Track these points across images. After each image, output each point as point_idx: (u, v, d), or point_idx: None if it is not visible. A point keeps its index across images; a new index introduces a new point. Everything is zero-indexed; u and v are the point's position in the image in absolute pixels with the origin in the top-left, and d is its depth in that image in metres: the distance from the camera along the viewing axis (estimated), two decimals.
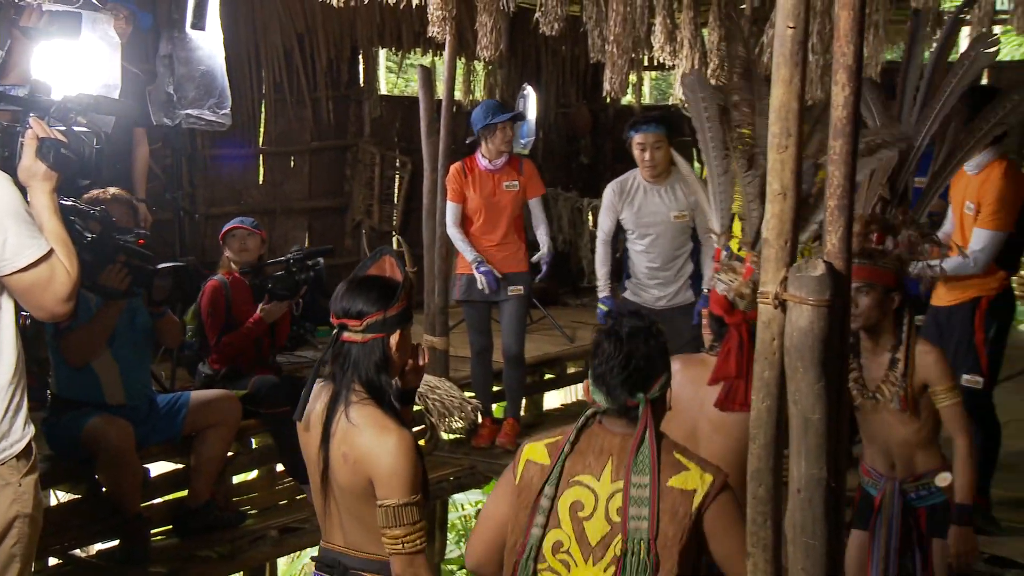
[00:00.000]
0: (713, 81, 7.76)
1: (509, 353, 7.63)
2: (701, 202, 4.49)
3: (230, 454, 6.64)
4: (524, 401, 9.29)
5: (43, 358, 5.96)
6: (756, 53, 7.93)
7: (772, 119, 2.77)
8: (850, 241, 2.77)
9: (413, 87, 15.82)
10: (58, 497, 6.24)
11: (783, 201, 2.75)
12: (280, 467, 7.06)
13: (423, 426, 7.61)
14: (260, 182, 10.55)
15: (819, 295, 2.64)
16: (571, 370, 9.78)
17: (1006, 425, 7.80)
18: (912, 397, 4.62)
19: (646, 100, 14.79)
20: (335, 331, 3.53)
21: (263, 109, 10.40)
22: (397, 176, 11.44)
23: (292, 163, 10.85)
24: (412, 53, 11.74)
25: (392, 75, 16.47)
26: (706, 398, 3.92)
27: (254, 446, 7.07)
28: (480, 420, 7.74)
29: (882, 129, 4.45)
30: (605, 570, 3.17)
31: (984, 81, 10.03)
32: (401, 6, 5.02)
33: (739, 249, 4.03)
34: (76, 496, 6.26)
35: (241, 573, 7.36)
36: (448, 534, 9.86)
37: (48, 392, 5.97)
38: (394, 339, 3.52)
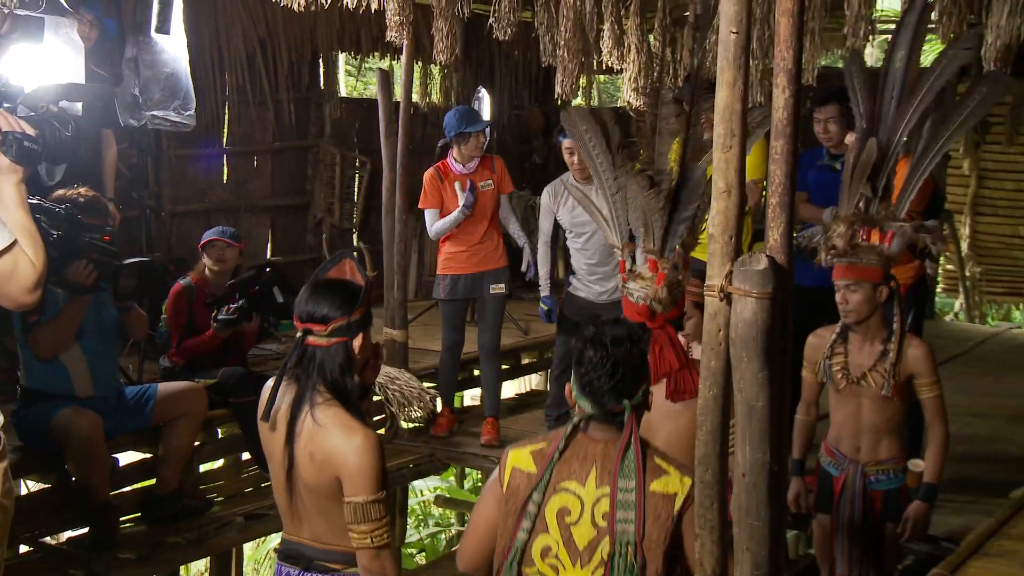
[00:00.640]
0: (659, 84, 7.80)
1: (488, 348, 7.59)
2: (596, 219, 4.56)
3: (197, 444, 6.62)
4: (480, 391, 9.31)
5: (12, 352, 5.90)
6: (699, 58, 7.99)
7: (717, 120, 2.77)
8: (791, 236, 2.78)
9: (371, 90, 15.79)
10: (28, 487, 6.20)
11: (728, 198, 2.76)
12: (245, 455, 7.04)
13: (383, 415, 7.59)
14: (224, 181, 10.50)
15: (762, 288, 2.65)
16: (525, 361, 9.80)
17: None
18: (900, 385, 4.77)
19: (595, 102, 14.80)
20: (299, 334, 3.53)
21: (227, 110, 10.35)
22: (357, 175, 11.41)
23: (255, 163, 10.81)
24: (371, 57, 11.70)
25: (351, 78, 16.42)
26: (655, 387, 3.93)
27: (220, 436, 7.03)
28: (439, 410, 7.71)
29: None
30: (592, 573, 3.16)
31: None
32: (361, 11, 5.01)
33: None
34: (46, 485, 6.23)
35: (208, 558, 7.35)
36: (408, 519, 9.85)
37: (18, 385, 5.92)
38: (357, 342, 3.52)
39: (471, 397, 10.32)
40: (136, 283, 5.83)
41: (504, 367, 8.63)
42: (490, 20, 7.44)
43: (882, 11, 11.08)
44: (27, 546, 5.98)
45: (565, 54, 7.47)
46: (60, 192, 5.77)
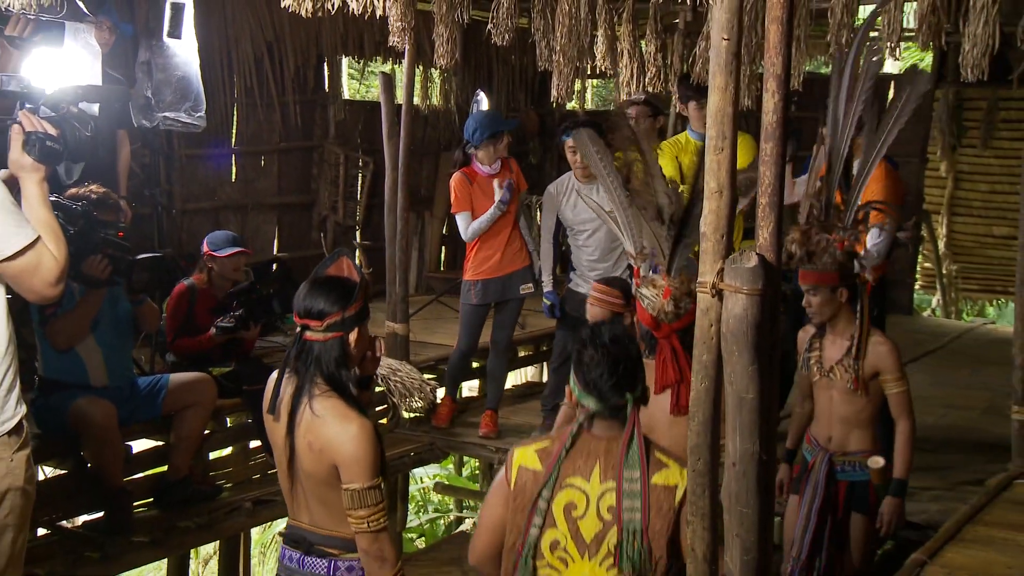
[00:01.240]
0: (651, 88, 7.82)
1: (502, 345, 7.55)
2: (612, 228, 4.57)
3: (207, 432, 6.61)
4: (478, 383, 9.32)
5: (30, 343, 5.90)
6: (689, 63, 8.00)
7: (709, 123, 2.78)
8: (780, 235, 2.78)
9: (374, 92, 15.76)
10: (45, 473, 6.18)
11: (719, 198, 2.76)
12: (253, 443, 7.04)
13: (385, 405, 7.59)
14: (233, 180, 10.48)
15: (752, 285, 2.66)
16: (522, 354, 9.78)
17: (914, 402, 7.91)
18: (863, 380, 4.79)
19: (589, 105, 14.81)
20: (298, 330, 3.55)
21: (235, 112, 10.32)
22: (360, 174, 11.39)
23: (262, 162, 10.79)
24: (373, 61, 11.69)
25: (354, 81, 16.40)
26: (658, 396, 3.96)
27: (229, 424, 7.04)
28: (439, 400, 7.70)
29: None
30: (600, 563, 3.18)
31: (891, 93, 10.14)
32: (366, 17, 5.02)
33: None
34: (63, 471, 6.22)
35: (218, 542, 7.36)
36: (408, 505, 9.85)
37: (36, 375, 5.92)
38: (352, 336, 3.54)
39: (469, 388, 10.32)
40: (149, 277, 5.85)
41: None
42: (488, 26, 7.45)
43: (861, 20, 11.10)
44: (45, 529, 5.97)
45: (560, 59, 7.49)
46: (73, 190, 5.78)
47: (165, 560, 7.02)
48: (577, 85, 10.70)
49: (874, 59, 5.03)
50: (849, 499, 4.92)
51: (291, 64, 10.54)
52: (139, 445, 6.55)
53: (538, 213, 11.58)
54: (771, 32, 2.75)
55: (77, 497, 6.06)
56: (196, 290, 6.71)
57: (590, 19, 7.45)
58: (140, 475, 6.48)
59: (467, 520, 12.90)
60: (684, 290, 4.02)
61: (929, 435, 7.17)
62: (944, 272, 13.21)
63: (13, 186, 3.42)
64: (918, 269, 13.14)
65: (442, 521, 11.86)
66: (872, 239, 6.12)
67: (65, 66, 6.25)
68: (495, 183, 7.32)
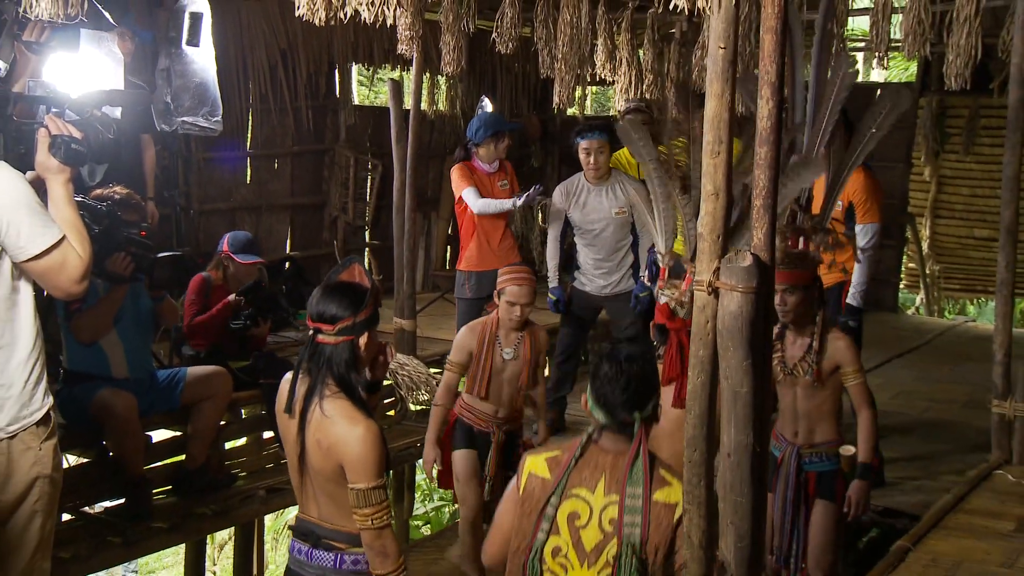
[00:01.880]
0: (648, 95, 7.83)
1: None
2: (648, 225, 4.55)
3: (223, 423, 6.61)
4: None
5: (55, 337, 5.91)
6: (685, 71, 8.01)
7: (706, 128, 2.77)
8: (774, 236, 2.78)
9: (382, 98, 15.75)
10: (70, 461, 6.18)
11: (716, 200, 2.76)
12: (267, 434, 7.03)
13: (393, 398, 7.60)
14: (248, 182, 10.47)
15: (747, 283, 2.65)
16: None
17: (898, 397, 7.93)
18: (824, 373, 4.81)
19: (588, 111, 14.79)
20: (311, 333, 3.55)
21: (250, 117, 10.32)
22: (369, 177, 11.39)
23: (276, 165, 10.78)
24: (382, 68, 11.67)
25: (363, 88, 16.38)
26: (664, 388, 3.97)
27: (243, 416, 7.03)
28: None
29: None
30: (599, 573, 3.18)
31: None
32: (377, 25, 5.00)
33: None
34: (86, 460, 6.21)
35: (233, 528, 7.35)
36: (415, 494, 9.85)
37: (61, 367, 5.92)
38: (363, 340, 3.54)
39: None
40: (169, 275, 5.86)
41: None
42: (493, 35, 7.47)
43: (851, 30, 11.11)
44: (69, 514, 5.97)
45: (562, 67, 7.50)
46: (98, 191, 5.78)
47: (183, 545, 7.01)
48: (577, 92, 10.69)
49: (849, 71, 5.03)
50: (818, 488, 4.95)
51: (304, 71, 10.53)
52: (158, 435, 6.54)
53: (539, 213, 11.61)
54: (766, 41, 2.75)
55: (100, 484, 6.06)
56: (212, 284, 6.71)
57: (590, 29, 7.47)
58: (159, 464, 6.47)
59: None
60: None
61: (913, 427, 7.20)
62: (927, 272, 13.22)
63: (39, 187, 3.42)
64: (903, 269, 13.15)
65: (447, 509, 11.86)
66: (863, 237, 6.16)
67: (87, 71, 6.24)
68: (498, 183, 7.34)
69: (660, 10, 4.11)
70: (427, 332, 8.48)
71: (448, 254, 12.19)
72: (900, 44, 6.50)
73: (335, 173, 11.17)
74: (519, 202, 7.24)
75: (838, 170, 4.96)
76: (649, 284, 6.76)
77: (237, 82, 9.91)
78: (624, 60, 7.83)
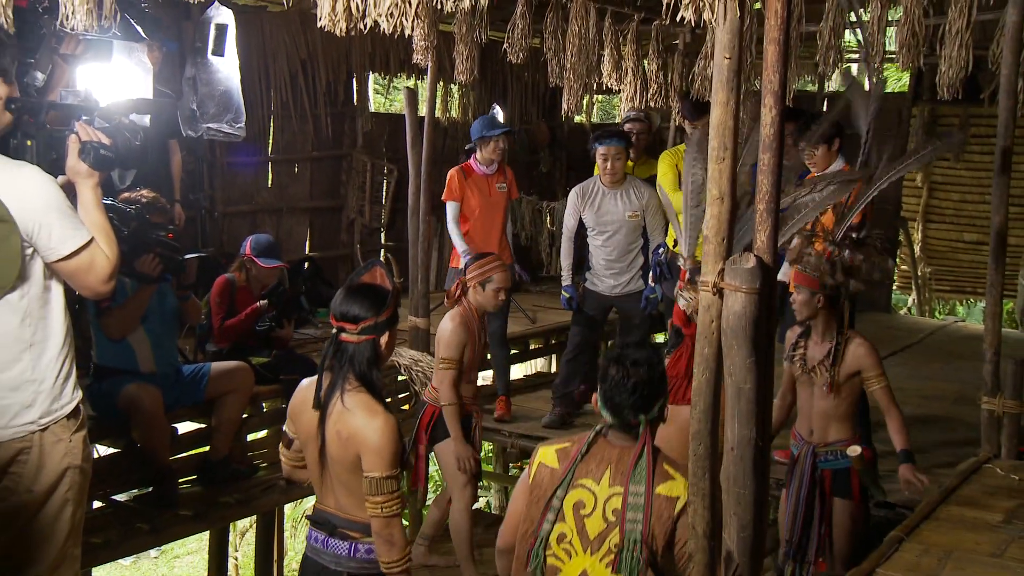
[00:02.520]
0: (652, 104, 7.80)
1: (497, 335, 7.50)
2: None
3: (244, 416, 6.62)
4: (491, 373, 9.27)
5: (86, 334, 5.92)
6: (688, 80, 7.98)
7: (711, 135, 2.76)
8: (776, 238, 2.76)
9: (397, 106, 15.76)
10: (99, 451, 6.19)
11: (720, 204, 2.74)
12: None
13: (408, 393, 7.58)
14: (269, 185, 10.47)
15: (751, 284, 2.64)
16: (533, 346, 9.76)
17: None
18: (837, 382, 4.80)
19: (595, 119, 14.78)
20: (334, 331, 3.57)
21: (272, 123, 10.32)
22: (385, 181, 11.38)
23: (296, 169, 10.78)
24: (398, 77, 11.66)
25: (379, 96, 16.38)
26: None
27: (265, 409, 7.03)
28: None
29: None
30: (602, 559, 3.20)
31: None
32: (395, 36, 4.99)
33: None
34: (116, 450, 6.23)
35: (254, 516, 7.34)
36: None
37: (91, 362, 5.93)
38: (384, 339, 3.58)
39: (483, 378, 10.30)
40: (196, 274, 5.88)
41: (513, 352, 8.59)
42: (504, 45, 7.44)
43: (848, 42, 11.07)
44: (100, 502, 6.00)
45: (570, 76, 7.48)
46: (127, 194, 5.79)
47: (207, 532, 7.02)
48: (585, 100, 10.69)
49: (878, 80, 5.00)
50: (834, 486, 4.93)
51: (323, 80, 10.54)
52: (184, 427, 6.55)
53: (548, 216, 11.60)
54: (769, 52, 2.73)
55: (128, 474, 6.08)
56: (235, 285, 6.71)
57: (597, 40, 7.45)
58: (185, 455, 6.49)
59: (480, 498, 12.89)
60: None
61: (905, 423, 7.16)
62: (919, 274, 13.19)
63: (70, 191, 3.42)
64: (895, 271, 13.12)
65: None
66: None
67: (117, 81, 6.27)
68: (495, 184, 7.35)
69: (665, 22, 4.08)
70: None
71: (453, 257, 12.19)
72: (895, 55, 6.47)
73: (352, 177, 11.16)
74: (465, 260, 7.32)
75: (868, 187, 4.91)
76: (654, 284, 6.75)
77: (260, 90, 9.92)
78: (629, 70, 7.80)
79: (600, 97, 15.65)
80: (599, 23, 7.46)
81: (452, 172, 7.56)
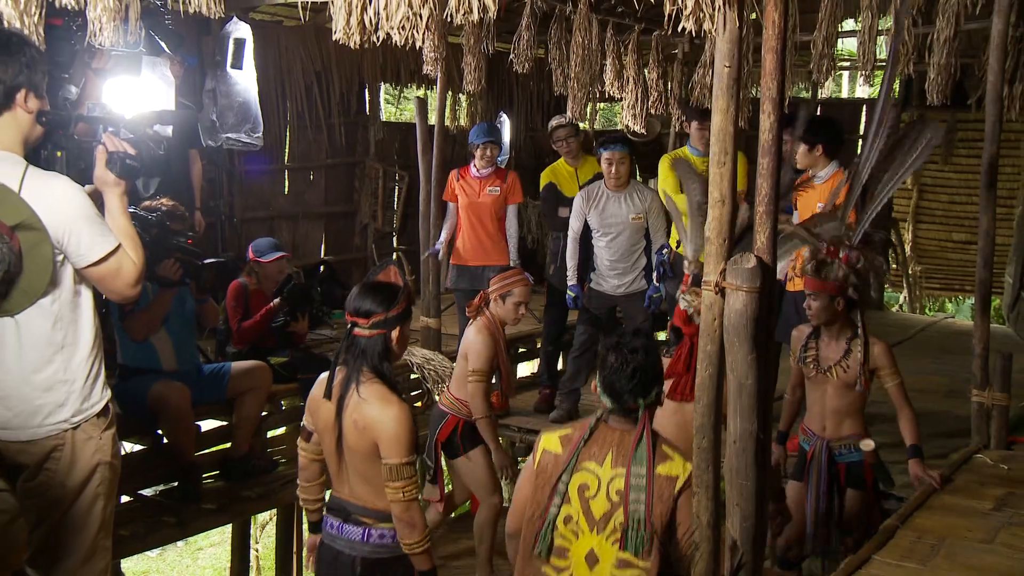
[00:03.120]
0: (653, 111, 7.80)
1: None
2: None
3: (264, 413, 6.63)
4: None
5: (111, 336, 5.94)
6: (687, 88, 7.98)
7: (713, 141, 2.75)
8: (775, 239, 2.76)
9: (408, 115, 15.75)
10: (126, 448, 6.21)
11: (722, 207, 2.74)
12: None
13: (420, 391, 7.58)
14: (286, 192, 10.47)
15: (751, 283, 2.64)
16: (539, 345, 9.75)
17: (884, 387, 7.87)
18: (866, 379, 4.83)
19: (598, 126, 14.75)
20: (349, 326, 3.61)
21: (288, 133, 10.32)
22: (396, 187, 11.37)
23: (311, 176, 10.78)
24: (408, 87, 11.66)
25: (391, 105, 16.38)
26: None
27: (283, 407, 7.03)
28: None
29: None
30: (607, 538, 3.21)
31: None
32: (406, 48, 4.99)
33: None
34: (143, 447, 6.24)
35: (274, 509, 7.37)
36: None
37: (117, 363, 5.94)
38: (395, 334, 3.61)
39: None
40: (214, 278, 5.89)
41: (521, 350, 8.59)
42: (511, 56, 7.46)
43: (840, 51, 11.07)
44: (128, 497, 6.01)
45: (574, 84, 7.50)
46: (148, 203, 5.81)
47: (229, 525, 7.03)
48: (588, 107, 10.69)
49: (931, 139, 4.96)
50: (848, 478, 4.95)
51: (336, 91, 10.54)
52: (206, 425, 6.57)
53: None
54: (767, 60, 2.73)
55: (155, 470, 6.08)
56: (248, 289, 6.75)
57: (600, 50, 7.45)
58: (207, 451, 6.49)
59: None
60: None
61: (894, 413, 7.15)
62: (910, 272, 13.19)
63: (97, 199, 3.43)
64: (888, 270, 13.12)
65: None
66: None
67: (143, 94, 6.30)
68: (486, 188, 7.36)
69: (666, 32, 4.08)
70: (451, 329, 8.45)
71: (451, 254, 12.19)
72: (885, 63, 6.48)
73: (365, 184, 11.16)
74: (435, 248, 7.67)
75: (878, 194, 4.88)
76: (657, 284, 6.74)
77: (276, 101, 9.92)
78: (631, 78, 7.80)
79: (603, 105, 15.63)
80: (601, 34, 7.47)
81: (451, 173, 7.62)
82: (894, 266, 13.24)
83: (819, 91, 12.58)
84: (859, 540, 4.92)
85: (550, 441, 3.39)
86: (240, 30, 8.47)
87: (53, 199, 3.22)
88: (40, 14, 4.58)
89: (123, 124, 3.73)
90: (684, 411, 4.01)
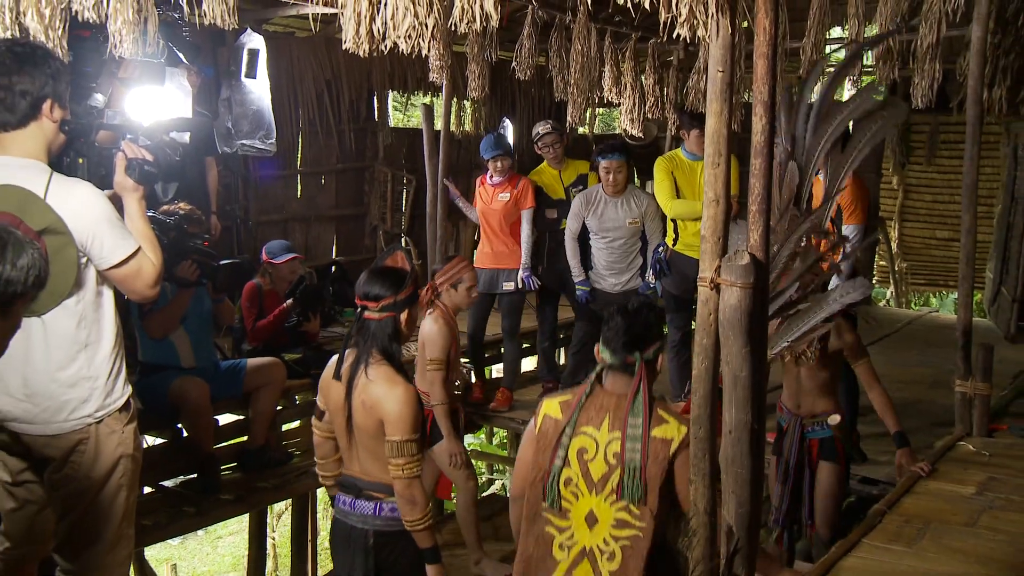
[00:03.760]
0: (650, 115, 7.79)
1: (507, 331, 7.48)
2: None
3: (279, 408, 6.63)
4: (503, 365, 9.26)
5: (132, 335, 5.95)
6: (682, 94, 7.98)
7: (707, 143, 2.74)
8: (768, 237, 2.75)
9: (415, 121, 15.76)
10: (147, 442, 6.21)
11: (716, 206, 2.73)
12: None
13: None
14: (298, 196, 10.48)
15: (745, 279, 2.62)
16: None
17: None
18: (825, 357, 4.83)
19: (597, 130, 14.75)
20: (358, 310, 3.62)
21: (300, 139, 10.33)
22: (404, 190, 11.38)
23: (323, 181, 10.79)
24: (415, 94, 11.67)
25: (398, 112, 16.38)
26: None
27: (297, 401, 7.04)
28: (473, 381, 7.66)
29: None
30: (606, 499, 3.20)
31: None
32: (413, 57, 4.99)
33: None
34: (163, 440, 6.25)
35: (290, 500, 7.37)
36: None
37: (137, 360, 5.95)
38: (403, 316, 3.63)
39: (498, 371, 10.29)
40: (230, 279, 5.89)
41: (525, 346, 8.58)
42: (513, 64, 7.46)
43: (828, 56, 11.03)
44: (149, 488, 6.03)
45: (574, 90, 7.49)
46: (166, 207, 5.81)
47: (247, 514, 7.03)
48: (587, 113, 10.68)
49: (872, 95, 4.94)
50: (820, 453, 4.94)
51: (346, 98, 10.54)
52: (224, 419, 6.57)
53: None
54: (758, 65, 2.72)
55: (175, 462, 6.10)
56: (262, 290, 6.76)
57: (598, 57, 7.46)
58: (225, 444, 6.51)
59: (496, 482, 12.89)
60: None
61: (891, 400, 7.15)
62: (896, 269, 13.19)
63: (117, 204, 3.43)
64: (875, 266, 13.12)
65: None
66: (849, 232, 6.15)
67: (163, 103, 6.30)
68: (498, 195, 7.33)
69: (662, 40, 4.07)
70: (460, 327, 8.47)
71: (475, 257, 12.18)
72: (871, 68, 6.47)
73: (374, 187, 11.17)
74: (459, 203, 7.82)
75: (834, 175, 4.89)
76: (653, 282, 6.73)
77: (289, 109, 9.93)
78: (628, 84, 7.82)
79: (601, 110, 15.63)
80: (600, 42, 7.47)
81: (477, 180, 7.62)
82: (882, 263, 13.24)
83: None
84: (831, 513, 4.92)
85: (551, 407, 3.40)
86: (254, 41, 8.48)
87: (77, 204, 3.22)
88: (64, 28, 4.59)
89: (141, 132, 3.74)
90: None
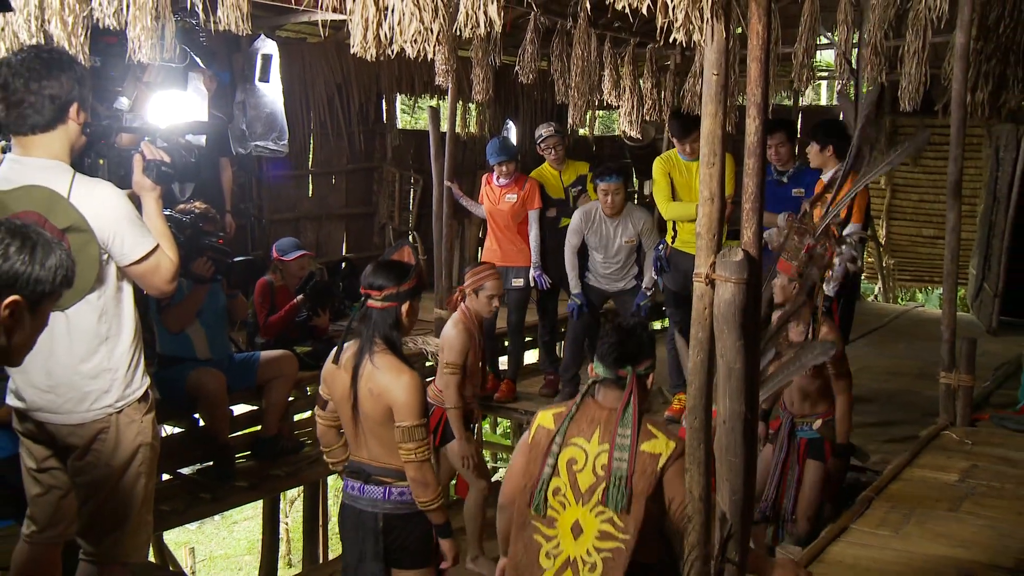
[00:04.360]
0: (648, 117, 7.78)
1: (512, 326, 7.47)
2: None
3: (291, 399, 6.64)
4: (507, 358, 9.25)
5: (150, 328, 5.96)
6: (679, 96, 7.96)
7: (703, 143, 2.73)
8: (761, 234, 2.74)
9: (422, 123, 15.74)
10: (165, 431, 6.22)
11: (711, 204, 2.72)
12: None
13: (433, 378, 7.56)
14: (310, 195, 10.49)
15: (739, 275, 2.62)
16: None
17: (862, 371, 7.88)
18: (815, 369, 4.77)
19: (596, 131, 14.74)
20: (363, 299, 3.63)
21: (311, 140, 10.34)
22: (412, 190, 11.39)
23: (333, 181, 10.80)
24: (422, 97, 11.68)
25: (406, 114, 16.38)
26: None
27: (309, 392, 7.05)
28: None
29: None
30: (592, 510, 3.17)
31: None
32: (419, 61, 5.00)
33: None
34: (180, 430, 6.26)
35: (302, 487, 7.37)
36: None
37: (156, 352, 5.96)
38: (405, 307, 3.63)
39: (504, 363, 10.29)
40: (244, 275, 5.91)
41: (528, 339, 8.57)
42: (516, 67, 7.45)
43: (818, 61, 11.02)
44: (168, 475, 6.05)
45: (575, 93, 7.49)
46: (181, 206, 5.82)
47: (261, 501, 7.05)
48: (588, 115, 10.68)
49: (869, 90, 4.95)
50: (807, 451, 4.95)
51: (356, 101, 10.55)
52: (238, 409, 6.59)
53: None
54: (752, 69, 2.71)
55: (192, 451, 6.11)
56: (274, 286, 6.77)
57: (598, 62, 7.46)
58: (240, 433, 6.51)
59: (500, 470, 12.89)
60: None
61: (874, 396, 7.16)
62: (884, 265, 13.18)
63: (134, 202, 3.44)
64: (864, 263, 13.12)
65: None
66: (850, 232, 6.13)
67: (181, 105, 6.32)
68: (504, 195, 7.30)
69: (659, 44, 4.07)
70: None
71: (480, 254, 12.19)
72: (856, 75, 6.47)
73: (383, 187, 11.17)
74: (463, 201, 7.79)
75: (841, 182, 4.85)
76: (655, 277, 6.72)
77: (301, 112, 9.94)
78: (627, 88, 7.81)
79: (601, 112, 15.63)
80: (600, 47, 7.47)
81: (483, 178, 7.58)
82: (870, 260, 13.23)
83: (800, 98, 12.57)
84: (813, 506, 4.91)
85: (545, 418, 3.37)
86: (267, 47, 8.48)
87: (99, 203, 3.22)
88: (86, 34, 4.59)
89: (159, 134, 3.74)
90: None
